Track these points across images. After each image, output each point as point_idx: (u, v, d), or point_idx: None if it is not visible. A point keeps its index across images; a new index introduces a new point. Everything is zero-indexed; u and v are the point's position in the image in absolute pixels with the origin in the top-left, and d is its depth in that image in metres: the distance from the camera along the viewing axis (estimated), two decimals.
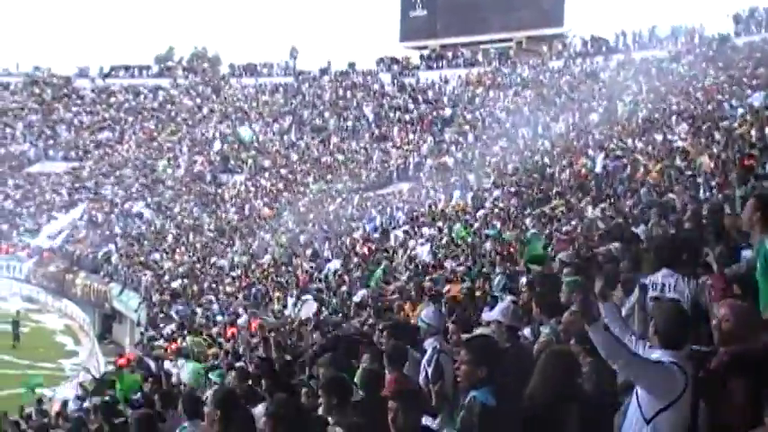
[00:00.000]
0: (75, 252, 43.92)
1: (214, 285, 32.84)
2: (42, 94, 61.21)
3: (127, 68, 64.37)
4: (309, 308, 20.99)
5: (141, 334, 29.07)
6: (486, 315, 7.64)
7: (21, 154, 56.15)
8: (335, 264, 27.82)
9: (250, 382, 9.65)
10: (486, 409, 4.83)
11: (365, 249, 28.42)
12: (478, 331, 7.33)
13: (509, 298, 8.78)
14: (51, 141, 57.45)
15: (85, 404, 16.41)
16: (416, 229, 28.68)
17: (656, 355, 4.80)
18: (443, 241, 24.51)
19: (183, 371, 15.53)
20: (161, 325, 28.92)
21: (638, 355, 4.78)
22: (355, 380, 7.10)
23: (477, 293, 13.67)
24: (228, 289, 31.05)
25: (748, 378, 4.53)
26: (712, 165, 20.14)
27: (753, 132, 22.02)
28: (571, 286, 8.13)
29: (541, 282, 8.81)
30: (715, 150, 22.49)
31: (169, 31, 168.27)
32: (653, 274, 7.07)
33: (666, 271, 6.92)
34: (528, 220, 22.54)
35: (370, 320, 15.14)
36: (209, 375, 12.26)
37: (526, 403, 5.06)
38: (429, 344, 7.50)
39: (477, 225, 24.92)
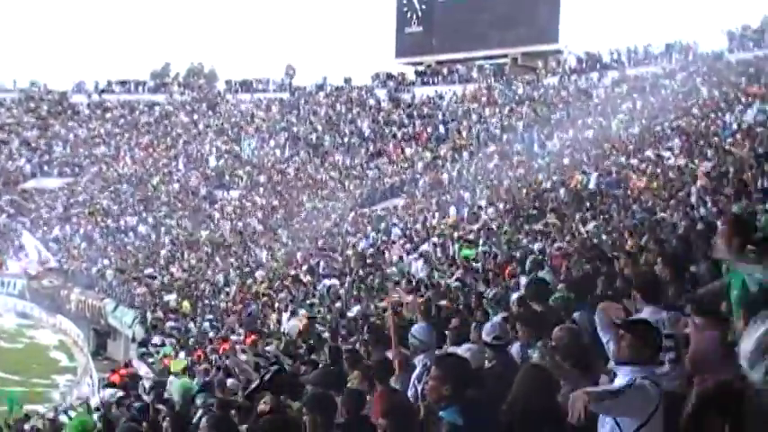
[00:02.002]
0: (70, 268, 43.88)
1: (207, 301, 32.85)
2: (38, 109, 61.31)
3: (123, 84, 64.46)
4: (293, 326, 21.02)
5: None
6: (483, 332, 7.62)
7: (16, 170, 56.17)
8: (332, 281, 27.89)
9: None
10: (454, 428, 4.83)
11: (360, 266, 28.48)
12: (462, 348, 7.32)
13: (500, 315, 8.79)
14: (47, 157, 57.48)
15: None
16: (411, 244, 28.74)
17: (624, 371, 4.85)
18: (438, 257, 24.60)
19: (173, 387, 15.46)
20: (154, 341, 28.93)
21: (617, 393, 4.77)
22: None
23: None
24: (222, 305, 31.04)
25: (725, 416, 4.58)
26: (703, 182, 20.24)
27: (746, 150, 22.13)
28: (560, 302, 8.19)
29: (532, 297, 8.75)
30: (708, 166, 22.59)
31: (165, 47, 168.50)
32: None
33: (653, 308, 6.84)
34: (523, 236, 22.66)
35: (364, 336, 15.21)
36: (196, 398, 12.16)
37: (504, 417, 5.09)
38: (419, 360, 7.50)
39: (480, 244, 25.01)
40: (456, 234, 26.84)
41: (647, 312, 6.75)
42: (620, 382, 4.81)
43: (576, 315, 7.67)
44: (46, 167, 56.78)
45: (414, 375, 7.25)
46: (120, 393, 21.01)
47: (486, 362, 7.13)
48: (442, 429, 4.87)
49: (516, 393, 5.17)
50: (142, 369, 25.12)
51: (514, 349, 7.61)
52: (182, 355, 24.80)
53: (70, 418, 16.82)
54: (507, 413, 5.09)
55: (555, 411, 5.04)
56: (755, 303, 4.81)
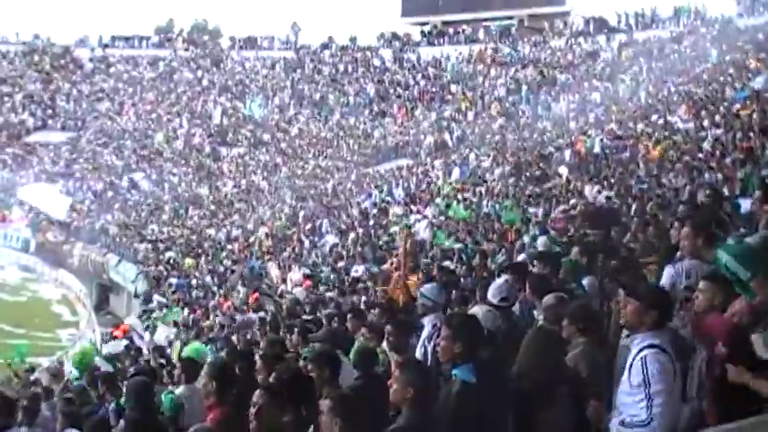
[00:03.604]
0: (73, 223, 43.93)
1: (209, 258, 32.91)
2: (41, 63, 61.02)
3: (127, 39, 64.12)
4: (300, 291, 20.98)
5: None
6: (488, 292, 7.62)
7: (19, 123, 56.03)
8: (334, 238, 27.93)
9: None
10: (466, 385, 4.86)
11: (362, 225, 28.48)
12: (473, 309, 7.32)
13: (503, 276, 8.78)
14: (50, 111, 57.32)
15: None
16: (415, 206, 28.73)
17: (636, 340, 4.84)
18: (441, 218, 24.58)
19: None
20: (155, 297, 29.00)
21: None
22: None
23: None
24: (225, 262, 31.10)
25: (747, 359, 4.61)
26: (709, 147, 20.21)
27: (754, 116, 21.99)
28: (569, 266, 8.19)
29: (542, 261, 8.77)
30: (718, 132, 22.51)
31: (170, 3, 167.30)
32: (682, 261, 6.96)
33: (694, 261, 6.78)
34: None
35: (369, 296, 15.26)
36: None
37: (515, 382, 5.10)
38: (428, 321, 7.46)
39: (475, 202, 24.98)
40: (462, 196, 26.82)
41: (667, 272, 6.75)
42: (632, 354, 4.79)
43: (585, 281, 7.68)
44: (49, 121, 56.64)
45: (423, 336, 7.24)
46: (126, 342, 21.18)
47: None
48: (454, 387, 4.89)
49: (527, 355, 5.19)
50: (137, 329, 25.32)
51: (516, 307, 7.63)
52: (185, 311, 24.86)
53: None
54: (519, 378, 5.10)
55: (564, 371, 5.07)
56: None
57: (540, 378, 4.98)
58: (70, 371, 17.22)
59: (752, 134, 19.36)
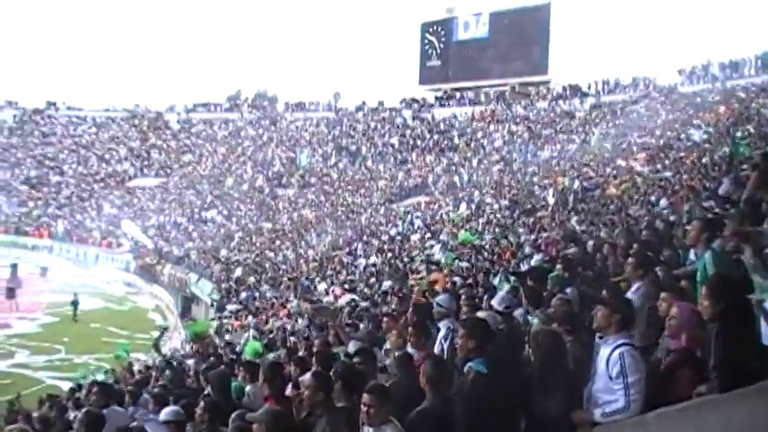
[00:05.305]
0: (164, 248, 44.26)
1: (269, 275, 32.92)
2: (140, 125, 61.80)
3: (205, 105, 64.86)
4: (345, 297, 20.93)
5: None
6: (494, 302, 7.64)
7: (123, 171, 56.69)
8: (369, 260, 27.83)
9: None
10: (479, 375, 4.81)
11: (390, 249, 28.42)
12: (479, 314, 7.30)
13: (505, 288, 8.75)
14: (146, 162, 57.95)
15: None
16: (431, 233, 28.65)
17: (611, 339, 4.76)
18: (451, 243, 24.50)
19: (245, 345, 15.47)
20: (227, 307, 28.99)
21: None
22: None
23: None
24: (282, 279, 31.08)
25: (691, 370, 4.64)
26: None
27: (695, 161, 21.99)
28: (555, 280, 8.14)
29: (532, 275, 8.72)
30: (667, 174, 22.43)
31: (238, 76, 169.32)
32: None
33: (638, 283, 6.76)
34: (521, 228, 22.55)
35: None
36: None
37: (521, 373, 5.06)
38: (444, 324, 7.47)
39: (487, 232, 24.86)
40: (468, 225, 26.75)
41: (634, 287, 6.71)
42: (606, 352, 4.72)
43: (568, 290, 7.64)
44: (145, 170, 57.25)
45: (440, 336, 7.24)
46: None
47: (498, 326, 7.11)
48: (469, 376, 4.86)
49: (535, 354, 5.12)
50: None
51: (518, 312, 7.60)
52: (250, 318, 24.81)
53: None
54: (531, 371, 5.05)
55: (566, 371, 5.00)
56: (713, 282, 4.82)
57: (546, 373, 4.91)
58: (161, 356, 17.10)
59: (693, 174, 19.35)
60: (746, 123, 26.16)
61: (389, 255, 26.72)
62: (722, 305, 4.42)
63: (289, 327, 19.09)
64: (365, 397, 4.67)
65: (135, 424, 6.91)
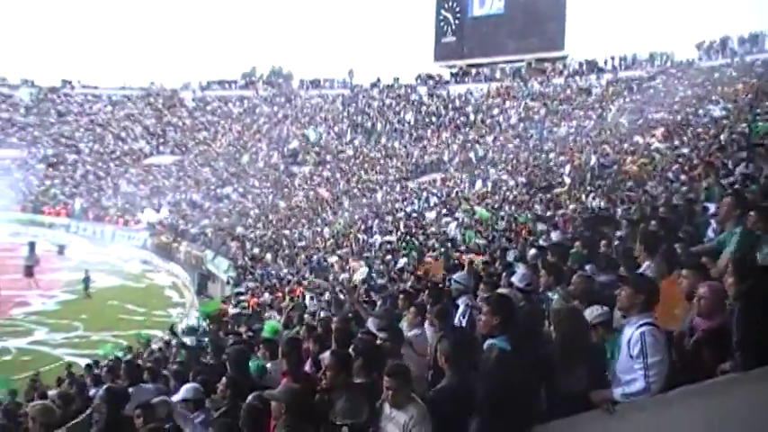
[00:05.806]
0: (180, 226, 44.44)
1: (285, 252, 33.03)
2: (155, 103, 61.83)
3: (220, 83, 64.75)
4: (362, 273, 21.01)
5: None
6: (514, 278, 7.58)
7: (139, 149, 56.82)
8: (384, 237, 27.86)
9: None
10: (503, 352, 4.80)
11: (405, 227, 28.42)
12: (499, 291, 7.27)
13: (523, 266, 8.71)
14: (162, 140, 58.04)
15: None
16: (446, 210, 28.62)
17: (635, 319, 4.71)
18: (467, 220, 24.46)
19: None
20: (244, 283, 29.14)
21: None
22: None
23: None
24: (299, 256, 31.19)
25: (717, 349, 4.60)
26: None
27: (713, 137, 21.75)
28: (575, 257, 8.11)
29: (553, 252, 8.67)
30: (685, 151, 22.21)
31: (253, 53, 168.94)
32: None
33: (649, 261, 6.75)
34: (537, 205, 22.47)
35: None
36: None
37: (546, 349, 5.03)
38: (462, 301, 7.47)
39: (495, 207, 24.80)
40: (485, 202, 26.70)
41: (644, 266, 6.67)
42: (630, 332, 4.67)
43: (587, 267, 7.60)
44: (161, 148, 57.36)
45: (459, 312, 7.24)
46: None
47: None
48: (492, 353, 4.84)
49: (557, 331, 5.10)
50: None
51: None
52: (266, 295, 24.92)
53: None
54: (552, 348, 5.03)
55: (587, 347, 4.98)
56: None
57: (568, 351, 4.87)
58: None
59: (712, 151, 19.13)
60: (766, 99, 25.84)
61: (405, 232, 26.74)
62: (746, 285, 4.39)
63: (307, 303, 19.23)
64: (387, 380, 4.68)
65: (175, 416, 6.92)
